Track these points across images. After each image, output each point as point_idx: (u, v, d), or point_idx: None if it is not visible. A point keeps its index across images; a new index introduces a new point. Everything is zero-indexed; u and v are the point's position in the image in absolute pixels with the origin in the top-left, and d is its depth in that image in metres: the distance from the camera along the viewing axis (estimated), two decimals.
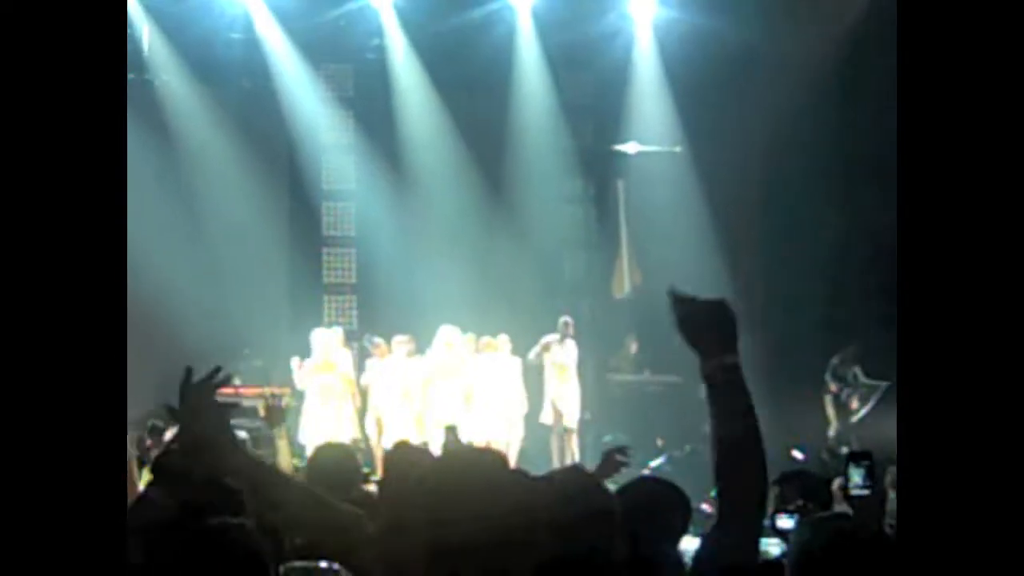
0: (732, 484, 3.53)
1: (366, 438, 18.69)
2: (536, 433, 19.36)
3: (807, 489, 6.57)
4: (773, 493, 6.37)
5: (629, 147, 21.61)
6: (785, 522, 6.27)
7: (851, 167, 19.63)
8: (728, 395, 3.61)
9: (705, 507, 8.54)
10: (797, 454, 17.08)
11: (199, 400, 3.70)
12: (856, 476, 6.10)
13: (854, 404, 18.56)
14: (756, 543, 3.59)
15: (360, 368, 19.15)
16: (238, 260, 20.19)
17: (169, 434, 13.19)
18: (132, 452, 7.50)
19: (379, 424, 18.71)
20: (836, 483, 6.98)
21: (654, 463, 17.94)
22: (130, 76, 19.59)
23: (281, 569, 4.49)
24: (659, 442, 19.14)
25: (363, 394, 18.84)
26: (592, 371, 20.10)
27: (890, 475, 8.50)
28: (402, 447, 6.91)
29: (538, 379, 19.49)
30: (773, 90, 19.58)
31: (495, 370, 19.07)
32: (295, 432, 17.57)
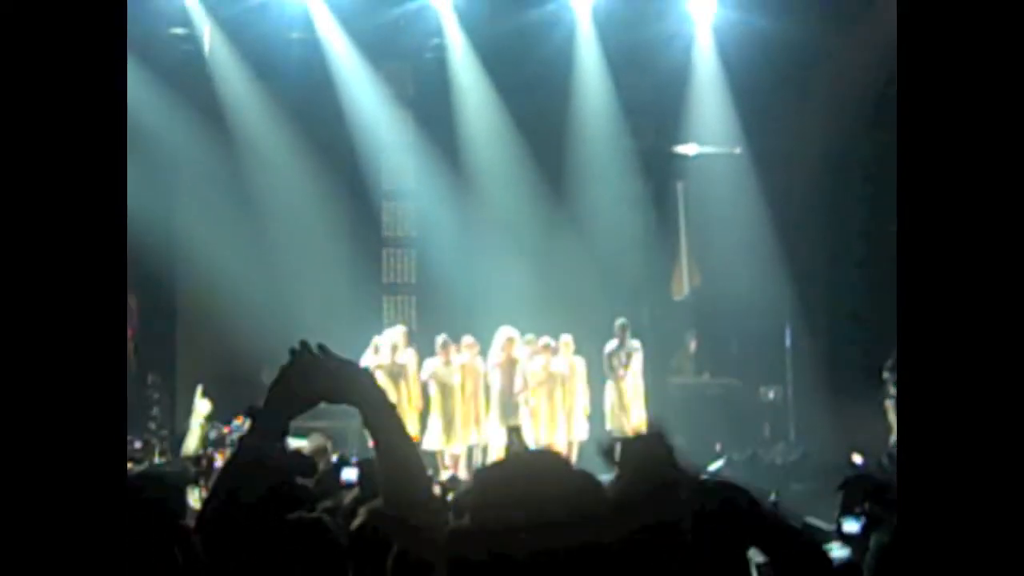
0: None
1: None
2: (600, 435, 19.33)
3: (871, 493, 6.52)
4: (837, 499, 6.33)
5: (689, 148, 21.57)
6: (851, 526, 6.22)
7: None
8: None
9: None
10: (857, 459, 16.94)
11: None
12: None
13: None
14: None
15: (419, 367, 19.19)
16: (298, 260, 20.29)
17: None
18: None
19: (444, 425, 18.72)
20: None
21: (713, 467, 17.86)
22: (191, 75, 19.75)
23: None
24: (718, 446, 19.05)
25: (424, 393, 18.91)
26: (651, 373, 20.03)
27: None
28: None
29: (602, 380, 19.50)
30: (833, 91, 19.48)
31: (558, 371, 19.08)
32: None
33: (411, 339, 19.48)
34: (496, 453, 17.83)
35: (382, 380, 18.55)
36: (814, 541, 3.55)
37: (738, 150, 21.32)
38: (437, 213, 21.66)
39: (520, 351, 18.99)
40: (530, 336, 19.15)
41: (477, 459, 18.50)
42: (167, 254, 18.90)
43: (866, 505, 6.38)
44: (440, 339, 18.96)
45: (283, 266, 20.00)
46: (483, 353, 18.96)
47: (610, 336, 19.42)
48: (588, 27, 21.29)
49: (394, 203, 22.60)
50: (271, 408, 3.79)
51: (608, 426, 19.23)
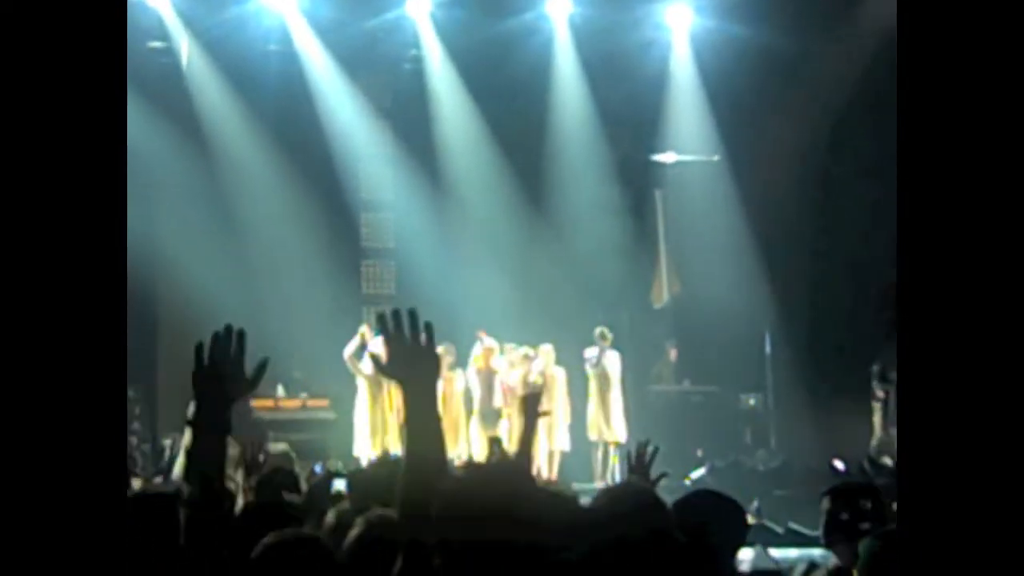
0: None
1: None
2: (581, 445, 19.37)
3: (858, 499, 6.51)
4: (823, 506, 6.33)
5: (667, 157, 21.59)
6: (839, 534, 6.21)
7: (891, 175, 19.53)
8: None
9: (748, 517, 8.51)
10: (838, 464, 16.99)
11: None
12: None
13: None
14: None
15: None
16: (278, 272, 20.27)
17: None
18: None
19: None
20: None
21: (695, 474, 17.87)
22: (169, 88, 19.72)
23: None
24: (699, 453, 19.08)
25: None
26: (632, 381, 20.04)
27: None
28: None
29: (584, 390, 19.53)
30: (810, 99, 19.54)
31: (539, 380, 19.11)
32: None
33: None
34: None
35: (364, 391, 18.58)
36: None
37: (716, 158, 21.35)
38: (416, 223, 21.67)
39: (498, 362, 19.02)
40: (511, 345, 19.17)
41: None
42: (146, 267, 18.83)
43: (852, 512, 6.37)
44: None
45: (262, 278, 19.98)
46: (462, 364, 18.97)
47: (590, 345, 19.45)
48: (565, 36, 21.31)
49: (373, 214, 22.59)
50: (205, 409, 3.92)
51: (590, 435, 19.27)
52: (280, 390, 19.54)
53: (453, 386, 18.77)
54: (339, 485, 6.83)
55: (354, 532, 4.48)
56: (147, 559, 4.17)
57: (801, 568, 6.27)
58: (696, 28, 21.40)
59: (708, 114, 21.55)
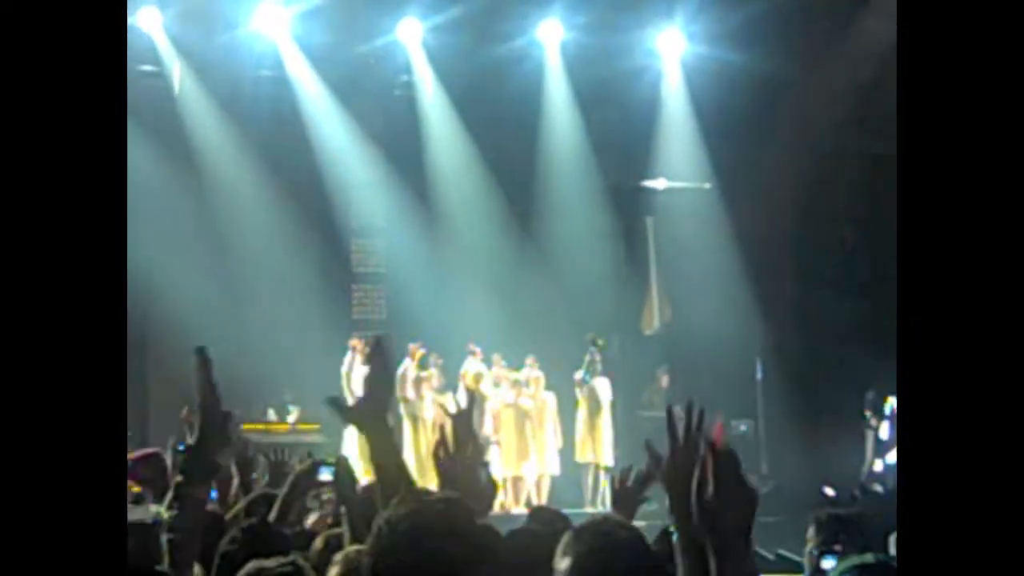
0: None
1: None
2: (573, 469, 19.39)
3: (845, 528, 6.52)
4: (812, 532, 6.32)
5: (658, 183, 21.60)
6: (828, 562, 6.22)
7: (880, 202, 19.58)
8: None
9: None
10: (829, 491, 16.98)
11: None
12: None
13: (894, 435, 18.45)
14: None
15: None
16: (269, 296, 20.26)
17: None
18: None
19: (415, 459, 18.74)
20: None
21: None
22: (161, 112, 19.72)
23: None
24: None
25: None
26: (623, 407, 20.04)
27: None
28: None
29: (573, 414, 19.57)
30: (801, 126, 19.58)
31: (527, 406, 19.17)
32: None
33: None
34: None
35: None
36: None
37: (707, 185, 21.37)
38: (407, 249, 21.67)
39: (487, 387, 19.08)
40: (497, 356, 19.29)
41: None
42: (137, 291, 18.80)
43: (842, 539, 6.38)
44: (412, 375, 18.99)
45: (254, 303, 19.97)
46: (452, 387, 19.02)
47: (579, 369, 19.53)
48: (557, 62, 21.36)
49: (364, 239, 22.58)
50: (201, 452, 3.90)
51: (578, 459, 19.30)
52: (271, 414, 19.54)
53: (443, 408, 18.78)
54: (325, 475, 6.83)
55: (333, 571, 4.47)
56: None
57: None
58: (687, 55, 21.46)
59: (699, 141, 21.60)
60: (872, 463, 18.62)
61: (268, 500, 6.53)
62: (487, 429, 18.79)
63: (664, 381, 21.34)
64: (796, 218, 20.56)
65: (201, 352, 4.17)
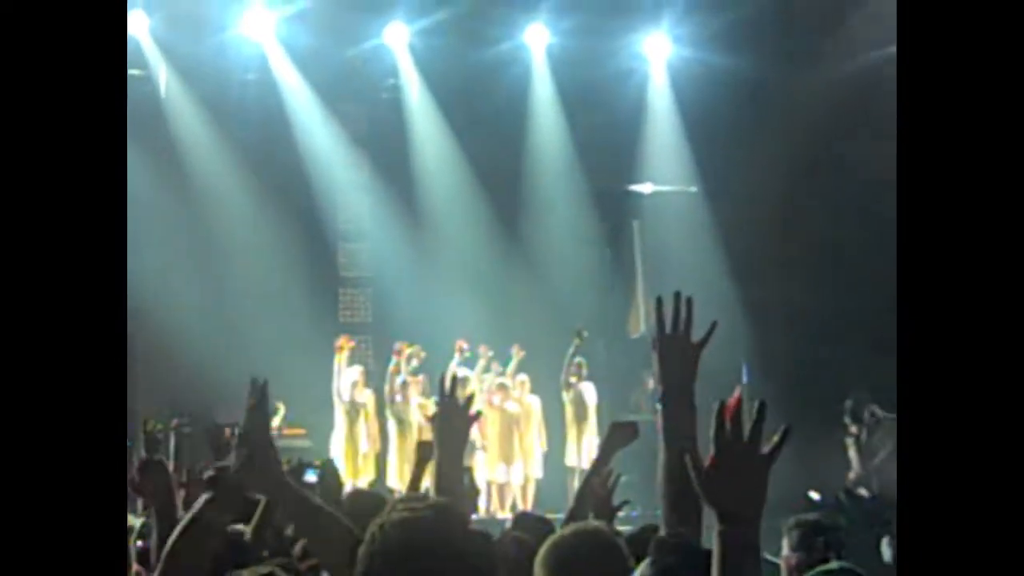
0: None
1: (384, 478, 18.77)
2: (558, 473, 19.40)
3: (825, 534, 6.54)
4: (786, 538, 6.35)
5: (644, 187, 21.61)
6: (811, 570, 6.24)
7: (867, 204, 19.60)
8: None
9: None
10: (814, 495, 16.98)
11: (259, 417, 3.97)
12: None
13: (876, 442, 18.45)
14: None
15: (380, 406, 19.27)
16: (255, 300, 20.23)
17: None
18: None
19: (400, 463, 18.73)
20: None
21: None
22: (146, 116, 19.67)
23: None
24: None
25: (383, 433, 19.03)
26: (608, 411, 20.04)
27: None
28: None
29: (559, 419, 19.59)
30: (788, 129, 19.60)
31: (513, 411, 19.19)
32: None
33: (368, 379, 19.47)
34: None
35: (341, 420, 18.61)
36: None
37: (694, 188, 21.40)
38: (393, 253, 21.65)
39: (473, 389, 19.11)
40: (483, 347, 19.32)
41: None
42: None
43: (817, 544, 6.39)
44: (399, 379, 18.99)
45: (240, 307, 19.94)
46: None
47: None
48: (543, 66, 21.37)
49: (350, 243, 22.56)
50: (237, 485, 3.87)
51: (566, 462, 19.32)
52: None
53: (429, 413, 18.74)
54: (310, 477, 6.84)
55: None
56: None
57: None
58: (673, 58, 21.49)
59: (685, 144, 21.62)
60: (859, 470, 18.62)
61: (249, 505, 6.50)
62: (472, 433, 18.76)
63: (650, 385, 21.34)
64: (782, 222, 20.56)
65: (256, 383, 4.14)
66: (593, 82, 21.38)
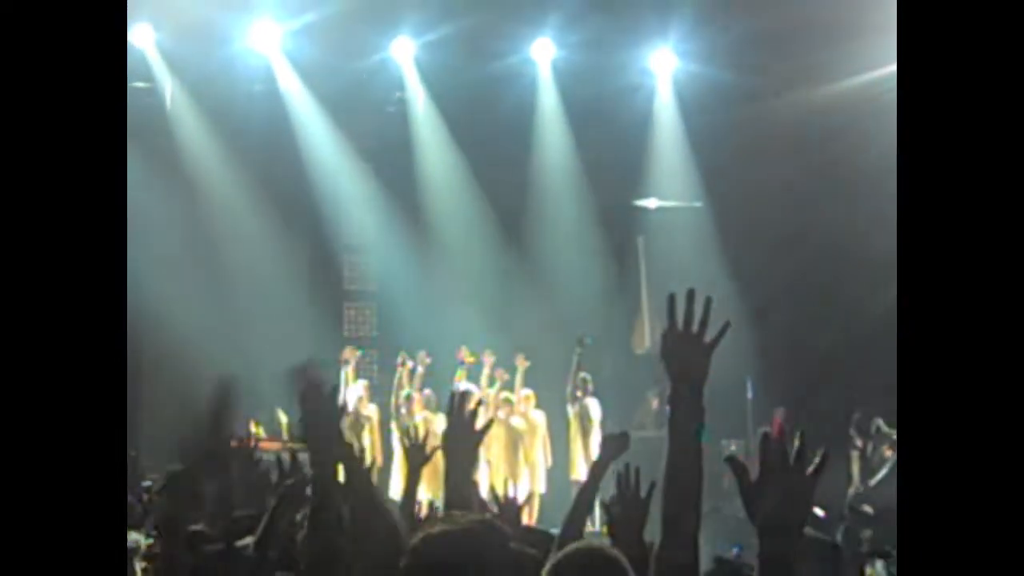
0: None
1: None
2: (562, 488, 19.38)
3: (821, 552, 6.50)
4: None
5: (649, 202, 21.62)
6: None
7: (873, 220, 19.59)
8: None
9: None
10: (818, 512, 16.93)
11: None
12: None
13: (882, 455, 18.42)
14: None
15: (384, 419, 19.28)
16: (260, 314, 20.24)
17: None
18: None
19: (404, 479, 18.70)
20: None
21: None
22: (152, 128, 19.69)
23: None
24: None
25: (386, 446, 19.02)
26: (612, 426, 19.99)
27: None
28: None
29: (564, 433, 19.59)
30: (793, 144, 19.60)
31: (518, 426, 19.19)
32: None
33: (372, 393, 19.47)
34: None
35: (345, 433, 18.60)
36: None
37: (699, 204, 21.39)
38: (398, 266, 21.66)
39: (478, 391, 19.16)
40: (488, 351, 19.29)
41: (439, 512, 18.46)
42: (127, 307, 18.74)
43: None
44: (403, 393, 18.99)
45: (245, 320, 19.95)
46: (443, 405, 18.99)
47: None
48: (549, 80, 21.37)
49: (355, 256, 22.57)
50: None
51: (572, 476, 19.29)
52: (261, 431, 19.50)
53: (434, 427, 18.73)
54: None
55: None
56: None
57: None
58: (680, 73, 21.48)
59: (691, 160, 21.62)
60: (859, 485, 18.59)
61: (250, 519, 6.48)
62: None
63: (655, 402, 21.31)
64: (787, 238, 20.54)
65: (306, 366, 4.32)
66: (599, 97, 21.36)
